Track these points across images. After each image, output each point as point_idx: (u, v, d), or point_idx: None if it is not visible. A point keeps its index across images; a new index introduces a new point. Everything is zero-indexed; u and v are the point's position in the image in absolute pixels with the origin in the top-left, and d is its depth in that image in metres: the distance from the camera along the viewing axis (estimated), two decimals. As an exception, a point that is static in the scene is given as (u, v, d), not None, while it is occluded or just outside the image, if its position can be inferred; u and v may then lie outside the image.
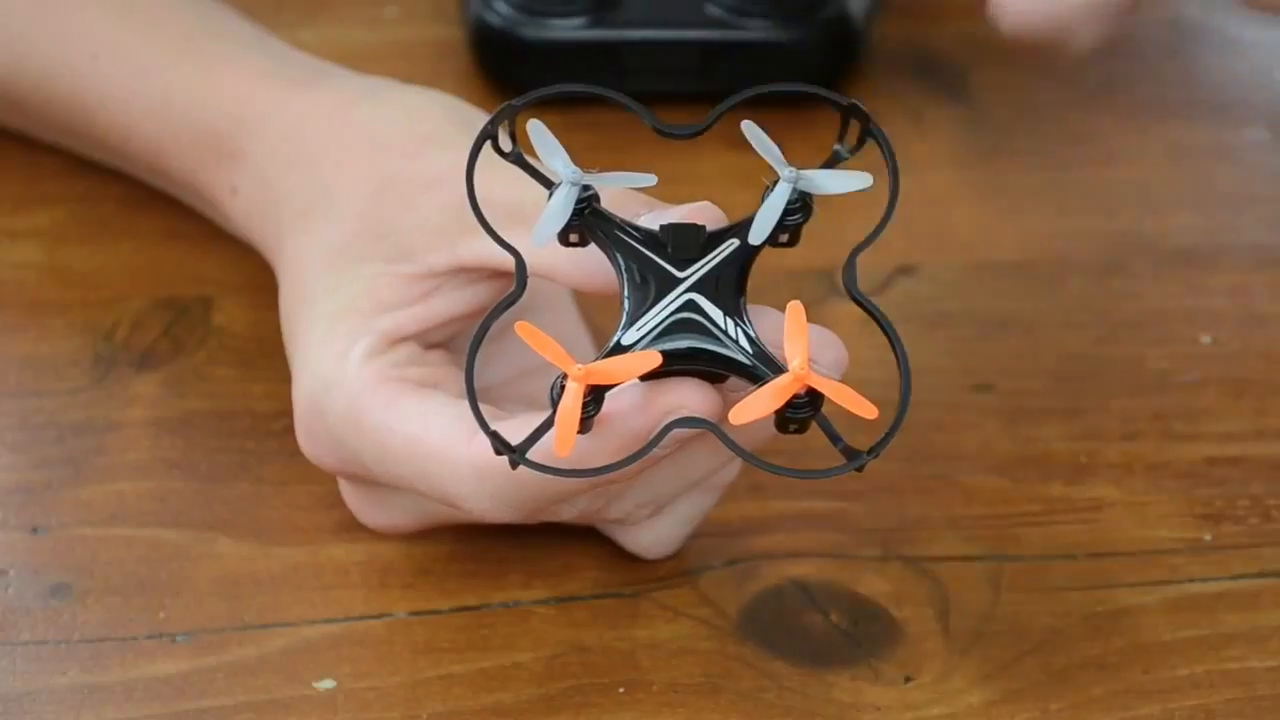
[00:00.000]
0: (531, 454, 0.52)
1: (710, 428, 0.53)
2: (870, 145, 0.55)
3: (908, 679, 0.60)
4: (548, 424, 0.52)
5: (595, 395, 0.52)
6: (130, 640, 0.60)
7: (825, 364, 0.54)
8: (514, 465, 0.52)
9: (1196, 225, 0.75)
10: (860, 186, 0.54)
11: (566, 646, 0.60)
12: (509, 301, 0.54)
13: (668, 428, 0.53)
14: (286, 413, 0.61)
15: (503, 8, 0.78)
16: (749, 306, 0.54)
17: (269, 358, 0.67)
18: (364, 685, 0.59)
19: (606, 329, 0.64)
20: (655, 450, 0.53)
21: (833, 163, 0.55)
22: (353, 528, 0.63)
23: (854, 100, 0.55)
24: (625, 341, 0.53)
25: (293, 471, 0.64)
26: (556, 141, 0.53)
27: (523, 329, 0.52)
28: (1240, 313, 0.71)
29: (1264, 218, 0.75)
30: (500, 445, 0.52)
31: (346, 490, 0.62)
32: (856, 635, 0.61)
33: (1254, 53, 0.83)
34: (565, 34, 0.78)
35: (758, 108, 0.54)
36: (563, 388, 0.52)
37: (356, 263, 0.60)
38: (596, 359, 0.52)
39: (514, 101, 0.55)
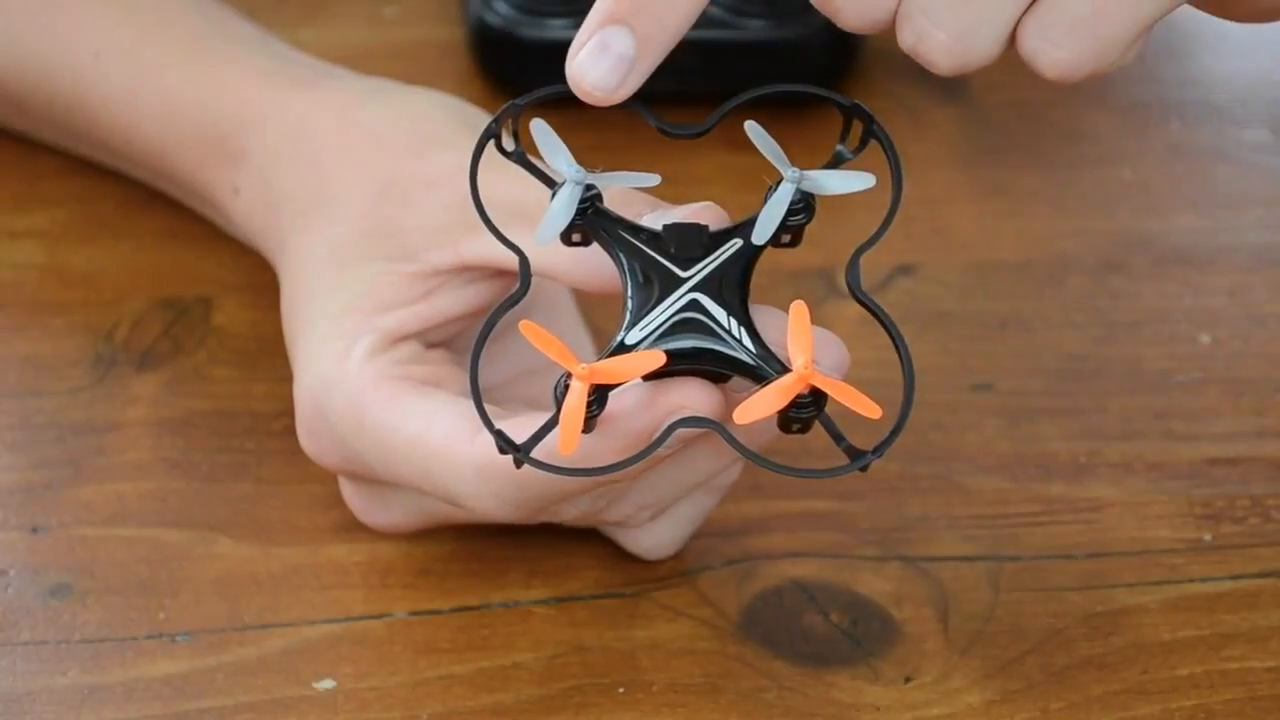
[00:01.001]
0: (535, 453, 0.52)
1: (714, 427, 0.53)
2: (871, 145, 0.55)
3: (907, 679, 0.60)
4: (552, 423, 0.52)
5: (599, 395, 0.52)
6: (130, 640, 0.60)
7: (827, 365, 0.53)
8: (518, 464, 0.52)
9: (1196, 225, 0.75)
10: (863, 187, 0.54)
11: (566, 646, 0.60)
12: (513, 300, 0.54)
13: (671, 427, 0.53)
14: (286, 413, 0.61)
15: (503, 8, 0.78)
16: (751, 306, 0.54)
17: (269, 358, 0.67)
18: (364, 685, 0.59)
19: (607, 329, 0.64)
20: (659, 450, 0.53)
21: (835, 163, 0.55)
22: (353, 528, 0.63)
23: (857, 101, 0.55)
24: (629, 341, 0.53)
25: (293, 471, 0.64)
26: (560, 141, 0.53)
27: (527, 328, 0.51)
28: (1240, 312, 0.71)
29: (1264, 218, 0.75)
30: (505, 444, 0.52)
31: (347, 489, 0.62)
32: (856, 635, 0.61)
33: (1254, 53, 0.83)
34: (565, 34, 0.77)
35: (759, 108, 0.54)
36: (566, 387, 0.52)
37: (359, 261, 0.60)
38: (600, 358, 0.52)
39: (517, 101, 0.54)
